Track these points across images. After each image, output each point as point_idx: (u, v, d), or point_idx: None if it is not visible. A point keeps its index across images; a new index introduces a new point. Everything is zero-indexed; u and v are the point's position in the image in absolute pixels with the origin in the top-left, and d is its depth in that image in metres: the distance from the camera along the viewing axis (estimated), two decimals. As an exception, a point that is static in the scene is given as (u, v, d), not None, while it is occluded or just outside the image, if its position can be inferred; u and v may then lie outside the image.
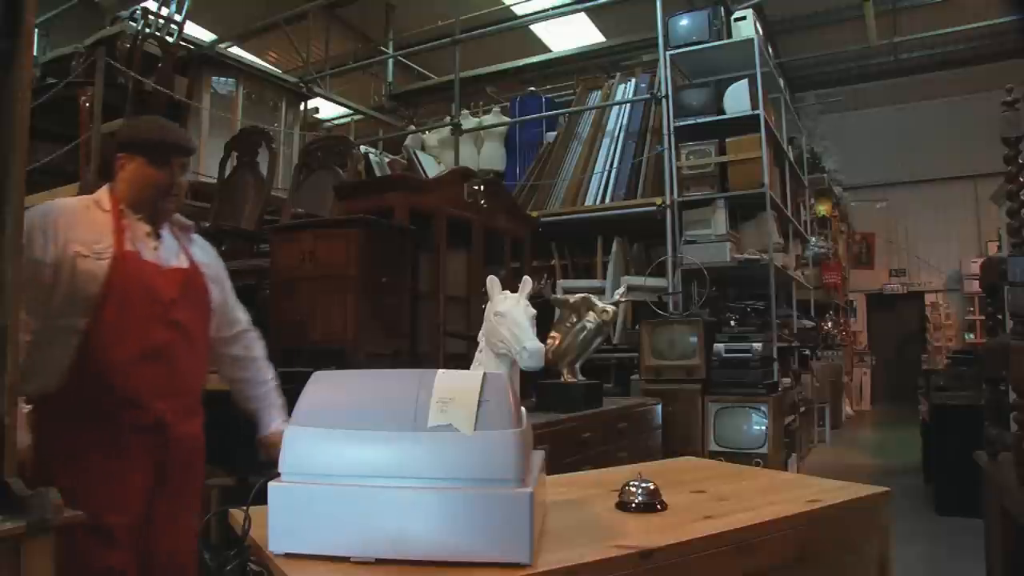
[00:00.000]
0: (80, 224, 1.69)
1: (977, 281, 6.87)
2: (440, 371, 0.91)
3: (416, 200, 3.48)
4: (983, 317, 4.31)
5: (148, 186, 1.75)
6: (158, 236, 1.79)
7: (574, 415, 3.07)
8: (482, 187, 3.91)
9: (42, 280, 1.60)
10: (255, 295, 2.87)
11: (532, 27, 7.62)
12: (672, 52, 5.37)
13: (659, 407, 4.03)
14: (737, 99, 5.14)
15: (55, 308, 1.62)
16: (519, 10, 7.44)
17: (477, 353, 1.74)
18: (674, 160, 5.19)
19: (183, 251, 1.84)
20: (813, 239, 8.13)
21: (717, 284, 5.21)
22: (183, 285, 1.77)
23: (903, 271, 12.09)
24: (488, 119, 6.96)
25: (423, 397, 0.86)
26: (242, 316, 2.02)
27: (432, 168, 6.43)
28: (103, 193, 1.79)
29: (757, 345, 4.47)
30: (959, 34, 8.29)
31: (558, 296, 3.57)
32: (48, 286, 1.61)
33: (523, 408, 0.92)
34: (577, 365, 3.39)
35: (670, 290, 5.01)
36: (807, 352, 7.16)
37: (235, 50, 6.77)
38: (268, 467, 1.06)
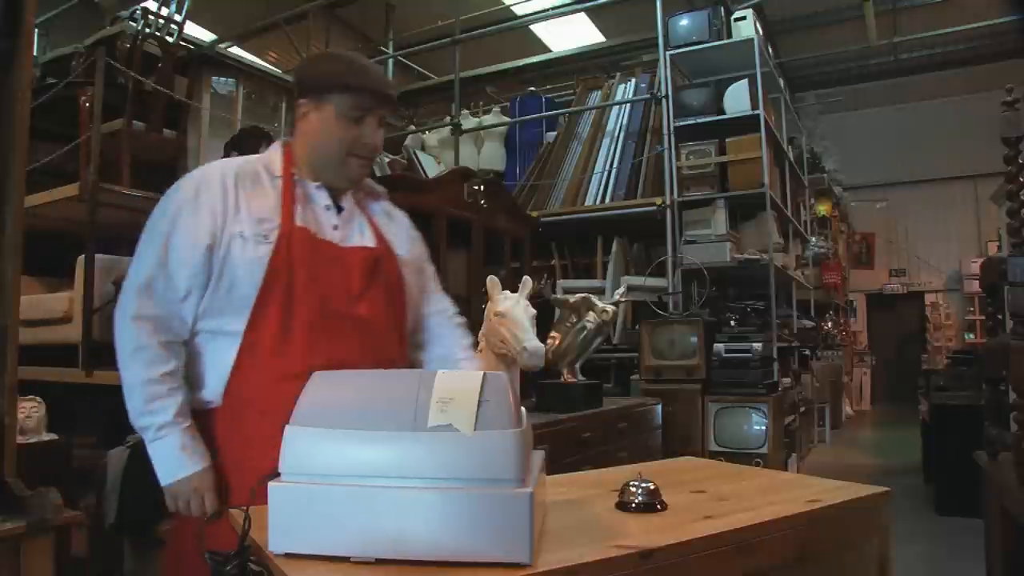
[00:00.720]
0: (245, 195, 1.34)
1: (977, 281, 6.87)
2: (440, 371, 0.91)
3: (416, 200, 3.47)
4: (983, 317, 4.30)
5: (336, 143, 1.36)
6: (339, 208, 1.42)
7: (574, 415, 3.07)
8: (482, 187, 3.90)
9: (194, 265, 1.30)
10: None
11: (532, 27, 7.62)
12: (672, 52, 5.36)
13: (659, 407, 4.03)
14: (737, 99, 5.14)
15: (214, 303, 1.31)
16: (519, 10, 7.44)
17: (477, 353, 1.74)
18: (674, 160, 5.19)
19: (370, 225, 1.44)
20: (813, 239, 8.13)
21: (717, 284, 5.20)
22: (369, 270, 1.37)
23: (903, 271, 12.10)
24: (488, 119, 6.96)
25: (423, 397, 0.86)
26: (448, 306, 1.60)
27: (432, 168, 6.43)
28: (275, 153, 1.43)
29: (757, 345, 4.47)
30: (959, 34, 8.30)
31: (558, 296, 3.57)
32: (204, 273, 1.31)
33: (523, 408, 0.92)
34: (577, 365, 3.39)
35: (670, 290, 5.01)
36: (807, 352, 7.16)
37: (235, 50, 6.77)
38: None
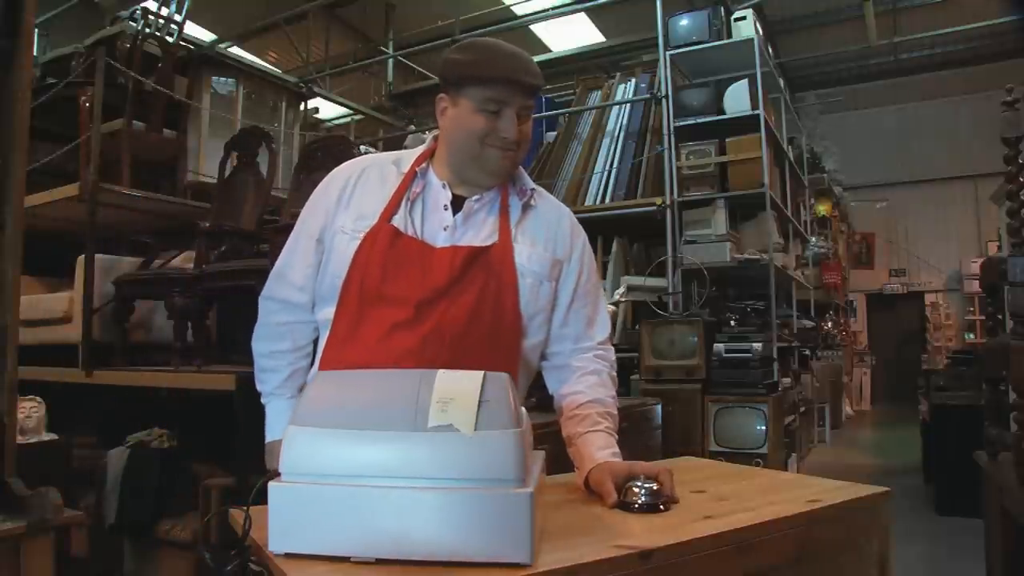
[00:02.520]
0: (361, 191, 1.34)
1: (977, 281, 6.87)
2: (440, 371, 0.91)
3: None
4: (983, 317, 4.30)
5: (470, 137, 1.27)
6: (460, 206, 1.32)
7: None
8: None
9: (308, 255, 1.36)
10: (255, 295, 2.87)
11: (532, 27, 7.63)
12: (672, 52, 5.36)
13: (659, 407, 4.03)
14: (737, 99, 5.14)
15: (319, 294, 1.35)
16: (519, 10, 7.45)
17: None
18: (674, 160, 5.19)
19: (500, 223, 1.32)
20: (813, 239, 8.13)
21: (717, 284, 5.20)
22: (458, 269, 1.25)
23: (903, 271, 12.10)
24: (488, 119, 6.95)
25: (423, 397, 0.86)
26: (596, 332, 1.41)
27: (432, 168, 6.41)
28: (419, 147, 1.40)
29: (757, 345, 4.47)
30: (959, 34, 8.30)
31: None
32: (315, 265, 1.35)
33: (523, 408, 0.92)
34: (577, 365, 3.39)
35: (670, 290, 5.01)
36: (807, 352, 7.16)
37: (235, 50, 6.77)
38: None
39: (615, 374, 1.43)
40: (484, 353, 1.23)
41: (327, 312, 1.31)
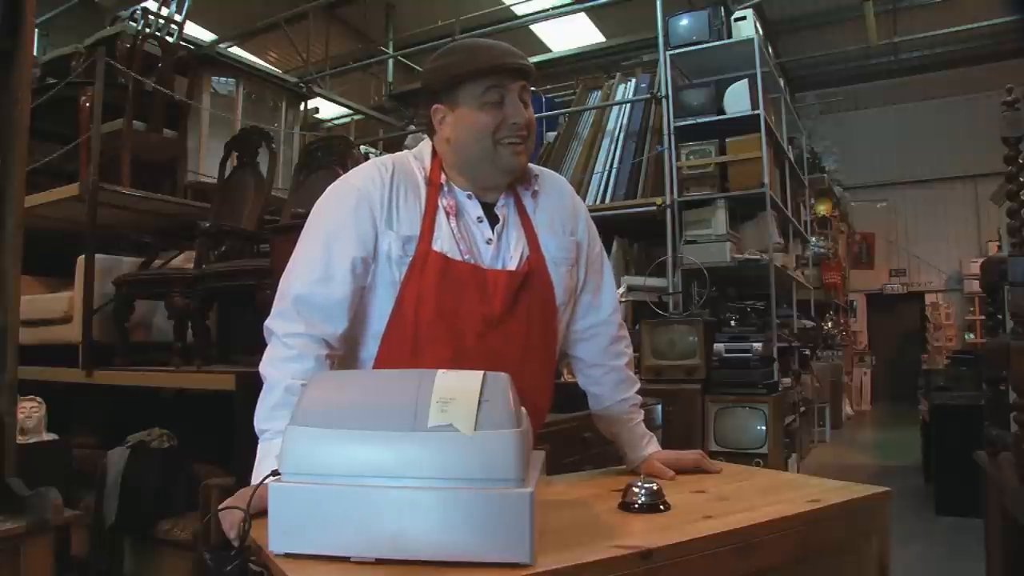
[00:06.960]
0: (400, 203, 1.23)
1: (977, 281, 6.86)
2: (440, 371, 0.91)
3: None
4: (983, 317, 4.30)
5: (480, 136, 1.21)
6: (494, 220, 1.27)
7: (574, 415, 3.06)
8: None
9: (345, 285, 1.19)
10: (255, 295, 2.87)
11: (532, 27, 7.63)
12: (672, 52, 5.37)
13: (659, 407, 4.02)
14: (737, 99, 5.14)
15: (364, 330, 1.23)
16: (519, 10, 7.44)
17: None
18: (674, 160, 5.19)
19: (524, 229, 1.29)
20: (813, 239, 8.13)
21: (717, 284, 5.20)
22: (512, 295, 1.23)
23: (903, 271, 12.10)
24: (488, 119, 6.94)
25: (423, 397, 0.86)
26: (606, 304, 1.41)
27: (432, 168, 6.41)
28: (426, 147, 1.30)
29: (757, 345, 4.47)
30: (959, 34, 8.31)
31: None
32: (354, 294, 1.20)
33: (523, 408, 0.92)
34: (577, 365, 3.39)
35: (670, 290, 5.01)
36: (807, 352, 7.16)
37: (235, 50, 6.77)
38: None
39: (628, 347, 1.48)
40: (527, 374, 1.19)
41: (368, 352, 1.23)
